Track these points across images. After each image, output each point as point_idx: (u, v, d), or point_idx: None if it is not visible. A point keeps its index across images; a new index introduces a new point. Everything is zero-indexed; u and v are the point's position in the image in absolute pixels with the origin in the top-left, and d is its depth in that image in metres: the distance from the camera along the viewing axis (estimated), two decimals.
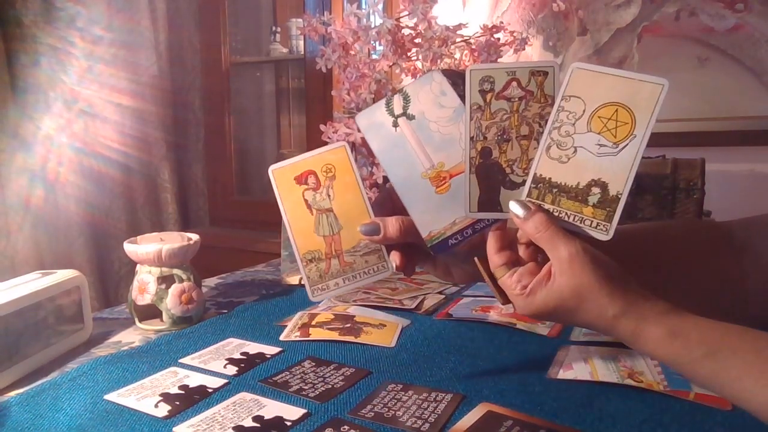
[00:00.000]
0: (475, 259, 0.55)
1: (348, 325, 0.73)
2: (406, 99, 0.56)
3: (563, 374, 0.59)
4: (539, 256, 0.52)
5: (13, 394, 0.57)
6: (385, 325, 0.73)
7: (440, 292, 0.88)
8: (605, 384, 0.56)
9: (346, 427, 0.49)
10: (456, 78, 1.06)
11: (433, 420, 0.50)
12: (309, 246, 0.57)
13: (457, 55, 1.33)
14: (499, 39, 1.32)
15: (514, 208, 0.51)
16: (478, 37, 1.31)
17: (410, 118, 0.55)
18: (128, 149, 1.83)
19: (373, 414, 0.51)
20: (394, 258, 0.56)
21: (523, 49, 1.37)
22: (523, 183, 0.52)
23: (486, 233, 0.54)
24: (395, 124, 0.55)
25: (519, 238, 0.53)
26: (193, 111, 2.08)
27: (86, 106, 1.69)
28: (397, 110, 0.56)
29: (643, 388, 0.55)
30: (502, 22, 1.35)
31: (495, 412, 0.51)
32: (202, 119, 2.10)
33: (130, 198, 1.88)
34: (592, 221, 0.49)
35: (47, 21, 1.59)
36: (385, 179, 1.15)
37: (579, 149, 0.49)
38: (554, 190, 0.50)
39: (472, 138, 0.53)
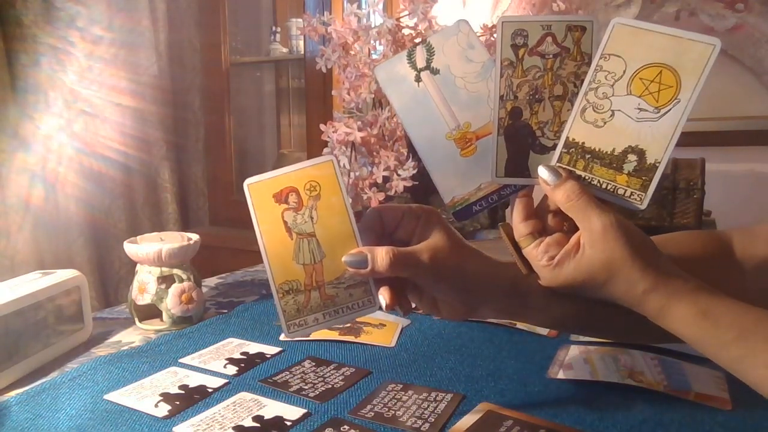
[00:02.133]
0: (500, 226, 0.52)
1: (348, 325, 0.73)
2: (430, 51, 0.51)
3: (563, 374, 0.59)
4: (566, 225, 0.49)
5: (13, 394, 0.57)
6: (385, 325, 0.73)
7: None
8: (605, 384, 0.56)
9: (346, 427, 0.49)
10: None
11: (433, 420, 0.50)
12: (286, 275, 0.51)
13: None
14: None
15: (544, 173, 0.47)
16: (479, 36, 1.31)
17: (434, 72, 0.51)
18: (128, 149, 1.83)
19: (373, 414, 0.51)
20: (384, 295, 0.48)
21: None
22: (554, 147, 0.48)
23: (512, 200, 0.51)
24: (418, 79, 0.51)
25: (546, 206, 0.50)
26: (193, 111, 2.09)
27: (86, 106, 1.69)
28: (420, 63, 0.51)
29: (643, 388, 0.55)
30: None
31: (495, 412, 0.51)
32: (202, 119, 2.10)
33: (130, 198, 1.88)
34: (626, 190, 0.46)
35: (47, 21, 1.59)
36: (386, 179, 1.15)
37: (616, 113, 0.46)
38: (587, 156, 0.47)
39: (501, 97, 0.49)
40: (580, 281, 0.47)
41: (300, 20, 1.80)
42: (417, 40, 1.23)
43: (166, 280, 0.76)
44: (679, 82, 0.44)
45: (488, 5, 1.88)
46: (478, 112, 0.50)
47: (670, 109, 0.44)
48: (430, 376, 0.60)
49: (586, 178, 0.47)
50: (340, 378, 0.59)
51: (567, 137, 0.47)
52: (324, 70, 1.25)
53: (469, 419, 0.50)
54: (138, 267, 0.77)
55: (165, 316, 0.75)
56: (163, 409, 0.53)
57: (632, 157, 0.46)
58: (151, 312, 0.77)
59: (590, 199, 0.46)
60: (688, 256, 0.60)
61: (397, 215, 0.52)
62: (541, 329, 0.71)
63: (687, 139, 1.54)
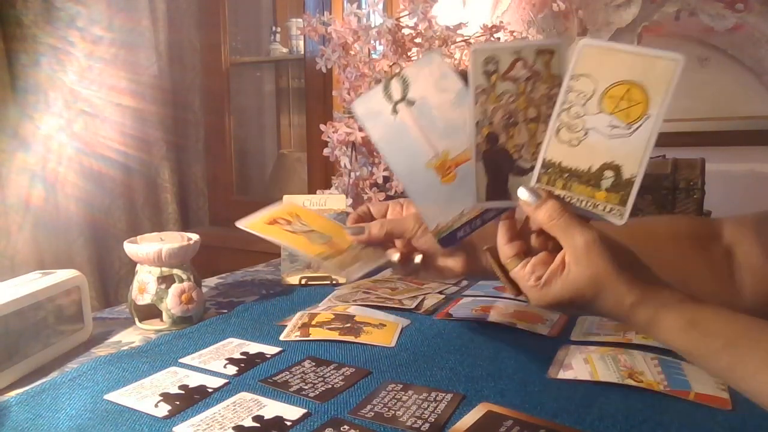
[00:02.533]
0: (485, 249, 0.53)
1: (348, 324, 0.73)
2: (405, 83, 0.52)
3: (563, 374, 0.59)
4: (550, 245, 0.50)
5: (13, 394, 0.57)
6: (385, 325, 0.73)
7: (440, 292, 0.88)
8: (605, 384, 0.56)
9: (346, 427, 0.49)
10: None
11: (433, 420, 0.50)
12: (315, 251, 0.61)
13: (457, 55, 1.33)
14: (499, 39, 1.32)
15: (524, 195, 0.49)
16: (478, 36, 1.31)
17: (410, 103, 0.52)
18: (128, 149, 1.83)
19: (373, 414, 0.51)
20: (392, 252, 0.60)
21: None
22: (532, 168, 0.49)
23: (495, 223, 0.52)
24: (395, 111, 0.52)
25: (530, 227, 0.51)
26: (193, 111, 2.08)
27: (86, 106, 1.69)
28: (396, 96, 0.52)
29: (643, 388, 0.55)
30: (502, 22, 1.35)
31: (495, 412, 0.51)
32: (202, 119, 2.10)
33: (130, 198, 1.88)
34: (605, 206, 0.47)
35: (47, 21, 1.59)
36: (386, 179, 1.15)
37: (590, 131, 0.47)
38: (565, 175, 0.48)
39: (477, 123, 0.50)
40: (568, 299, 0.47)
41: (300, 20, 1.80)
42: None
43: (166, 280, 0.76)
44: (648, 98, 0.45)
45: (488, 5, 1.88)
46: (456, 140, 0.52)
47: (641, 125, 0.45)
48: (430, 376, 0.60)
49: (566, 196, 0.48)
50: (340, 378, 0.59)
51: (544, 158, 0.49)
52: (324, 70, 1.26)
53: (469, 419, 0.50)
54: (138, 267, 0.77)
55: (165, 316, 0.75)
56: (163, 409, 0.53)
57: (609, 174, 0.46)
58: (151, 312, 0.77)
59: (571, 217, 0.47)
60: (676, 234, 0.61)
61: (383, 207, 0.64)
62: (541, 329, 0.71)
63: (687, 139, 1.54)
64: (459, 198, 0.52)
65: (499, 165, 0.50)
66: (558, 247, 0.48)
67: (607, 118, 0.46)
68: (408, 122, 0.52)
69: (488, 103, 0.50)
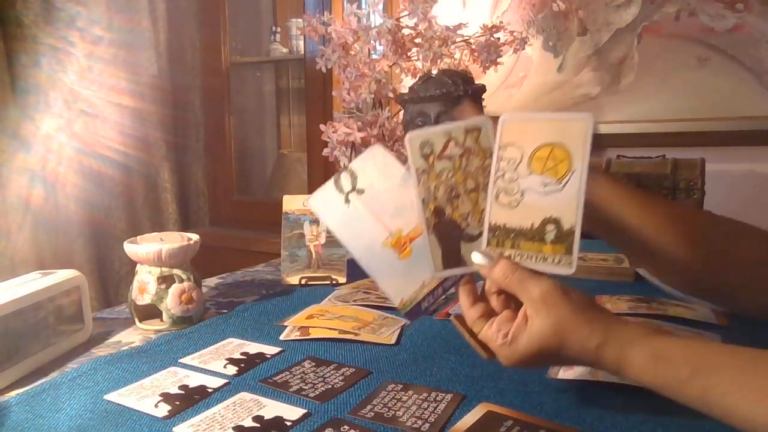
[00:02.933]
0: (452, 317, 0.56)
1: (348, 324, 0.73)
2: (353, 175, 0.57)
3: (563, 374, 0.59)
4: (512, 304, 0.52)
5: (13, 394, 0.57)
6: (385, 325, 0.73)
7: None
8: (605, 384, 0.56)
9: (346, 427, 0.49)
10: (455, 77, 1.06)
11: (433, 420, 0.50)
12: (349, 326, 0.71)
13: (457, 55, 1.33)
14: (499, 39, 1.32)
15: (477, 259, 0.52)
16: (478, 36, 1.31)
17: (360, 192, 0.57)
18: (128, 149, 1.83)
19: (373, 414, 0.51)
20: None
21: (523, 48, 1.38)
22: (481, 234, 0.53)
23: (456, 288, 0.55)
24: (347, 200, 0.57)
25: (488, 290, 0.54)
26: (193, 111, 2.08)
27: (86, 106, 1.69)
28: (347, 187, 0.57)
29: (643, 388, 0.55)
30: (502, 22, 1.35)
31: (495, 412, 0.51)
32: (202, 119, 2.10)
33: (130, 198, 1.87)
34: (554, 258, 0.50)
35: (47, 21, 1.59)
36: None
37: (526, 192, 0.51)
38: (511, 235, 0.51)
39: (423, 200, 0.54)
40: (537, 351, 0.48)
41: (300, 20, 1.80)
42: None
43: (166, 280, 0.76)
44: (570, 155, 0.49)
45: (488, 5, 1.88)
46: (407, 218, 0.56)
47: (570, 179, 0.49)
48: (430, 376, 0.60)
49: (516, 255, 0.51)
50: (340, 378, 0.59)
51: (489, 223, 0.52)
52: (324, 70, 1.26)
53: (469, 419, 0.50)
54: (138, 267, 0.77)
55: (165, 316, 0.75)
56: (163, 409, 0.53)
57: (550, 227, 0.50)
58: (151, 312, 0.77)
59: (524, 272, 0.49)
60: (680, 219, 0.64)
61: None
62: None
63: (687, 139, 1.54)
64: (418, 271, 0.55)
65: (449, 235, 0.54)
66: (519, 305, 0.50)
67: (539, 178, 0.50)
68: (360, 209, 0.56)
69: (430, 182, 0.54)
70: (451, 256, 0.54)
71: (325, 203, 0.57)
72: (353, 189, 0.57)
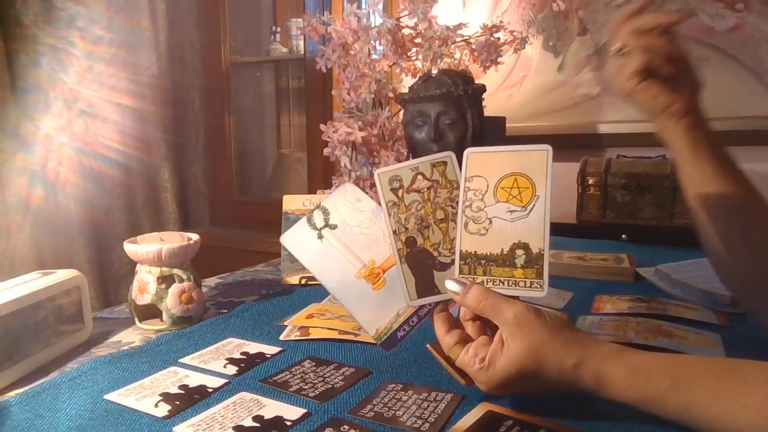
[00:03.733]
0: (428, 346, 0.56)
1: (348, 324, 0.73)
2: (326, 212, 0.59)
3: None
4: (488, 330, 0.53)
5: (13, 394, 0.57)
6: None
7: None
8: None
9: (346, 426, 0.49)
10: (455, 77, 1.06)
11: (433, 420, 0.50)
12: (350, 326, 0.69)
13: (457, 55, 1.33)
14: (499, 38, 1.32)
15: (451, 286, 0.53)
16: (478, 36, 1.31)
17: (333, 227, 0.59)
18: (128, 149, 1.83)
19: (373, 414, 0.51)
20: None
21: (523, 48, 1.38)
22: (452, 262, 0.54)
23: (431, 317, 0.56)
24: (320, 236, 0.59)
25: (463, 317, 0.54)
26: (193, 111, 2.09)
27: (86, 106, 1.69)
28: (319, 224, 0.59)
29: None
30: (502, 22, 1.35)
31: (495, 412, 0.51)
32: (202, 119, 2.10)
33: (130, 198, 1.88)
34: (525, 282, 0.51)
35: (47, 21, 1.59)
36: None
37: (494, 219, 0.53)
38: (482, 262, 0.53)
39: (394, 231, 0.56)
40: (515, 374, 0.49)
41: (300, 20, 1.80)
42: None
43: (166, 280, 0.76)
44: (533, 183, 0.52)
45: (488, 5, 1.88)
46: (379, 250, 0.57)
47: (535, 205, 0.52)
48: (430, 376, 0.60)
49: (489, 281, 0.53)
50: (340, 378, 0.59)
51: (460, 250, 0.54)
52: (324, 70, 1.26)
53: (469, 419, 0.50)
54: (138, 267, 0.77)
55: (165, 316, 0.75)
56: (163, 409, 0.53)
57: (520, 252, 0.52)
58: (151, 312, 0.77)
59: (497, 296, 0.51)
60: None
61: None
62: None
63: None
64: (392, 301, 0.56)
65: (422, 264, 0.56)
66: (495, 331, 0.51)
67: (505, 206, 0.53)
68: (333, 243, 0.58)
69: (400, 214, 0.56)
70: (425, 284, 0.55)
71: (298, 241, 0.59)
72: (326, 225, 0.59)
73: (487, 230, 0.53)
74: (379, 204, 0.57)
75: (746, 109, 1.53)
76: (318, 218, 0.59)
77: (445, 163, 0.56)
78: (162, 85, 1.95)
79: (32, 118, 1.58)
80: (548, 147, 0.52)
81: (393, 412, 0.52)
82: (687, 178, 0.67)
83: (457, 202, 0.55)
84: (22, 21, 1.54)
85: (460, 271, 0.54)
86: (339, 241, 0.58)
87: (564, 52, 1.77)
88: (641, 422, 0.49)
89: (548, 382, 0.49)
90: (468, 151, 0.54)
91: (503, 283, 0.52)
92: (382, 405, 0.53)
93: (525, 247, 0.51)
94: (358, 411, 0.52)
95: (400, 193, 0.56)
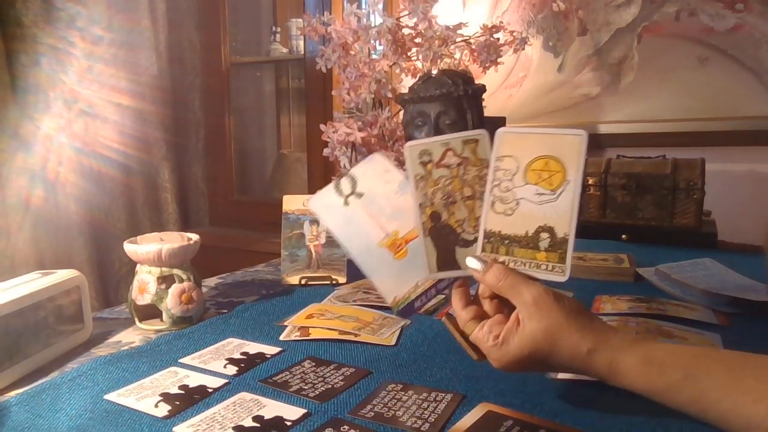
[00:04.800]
0: (444, 318, 0.57)
1: (348, 324, 0.73)
2: (353, 180, 0.59)
3: (563, 374, 0.59)
4: (505, 309, 0.53)
5: (13, 394, 0.57)
6: (385, 326, 0.73)
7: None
8: (605, 384, 0.56)
9: (346, 427, 0.49)
10: (455, 77, 1.06)
11: (433, 420, 0.50)
12: (350, 327, 0.71)
13: (457, 55, 1.33)
14: (498, 39, 1.32)
15: (472, 263, 0.53)
16: (478, 36, 1.31)
17: (359, 195, 0.59)
18: (128, 149, 1.83)
19: (373, 414, 0.51)
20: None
21: (523, 48, 1.38)
22: (476, 240, 0.54)
23: (450, 291, 0.56)
24: (346, 203, 0.59)
25: (481, 294, 0.54)
26: (193, 111, 2.08)
27: (86, 106, 1.69)
28: (346, 190, 0.59)
29: None
30: (502, 22, 1.35)
31: (495, 412, 0.51)
32: (202, 119, 2.10)
33: (130, 198, 1.87)
34: (547, 265, 0.51)
35: (47, 21, 1.59)
36: None
37: (521, 201, 0.52)
38: (506, 242, 0.53)
39: (420, 204, 0.56)
40: (527, 354, 0.49)
41: (300, 20, 1.80)
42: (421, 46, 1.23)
43: (166, 280, 0.76)
44: (564, 167, 0.51)
45: (488, 5, 1.88)
46: (403, 221, 0.58)
47: (564, 189, 0.51)
48: (430, 376, 0.60)
49: (510, 261, 0.52)
50: (340, 378, 0.59)
51: (485, 229, 0.54)
52: (324, 70, 1.26)
53: (469, 419, 0.50)
54: (138, 267, 0.77)
55: (165, 316, 0.75)
56: (163, 409, 0.53)
57: (545, 235, 0.51)
58: (151, 312, 0.77)
59: (517, 276, 0.50)
60: None
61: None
62: None
63: (687, 139, 1.53)
64: (412, 271, 0.57)
65: (445, 239, 0.56)
66: (512, 310, 0.51)
67: (534, 188, 0.52)
68: (359, 210, 0.59)
69: (428, 188, 0.56)
70: (446, 259, 0.55)
71: (325, 205, 0.59)
72: (353, 192, 0.59)
73: (513, 211, 0.52)
74: (406, 177, 0.57)
75: (746, 109, 1.53)
76: (345, 185, 0.59)
77: (476, 140, 0.55)
78: (162, 85, 1.95)
79: (32, 118, 1.58)
80: (583, 132, 0.51)
81: (393, 412, 0.52)
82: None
83: (486, 181, 0.54)
84: (22, 21, 1.54)
85: (483, 249, 0.53)
86: (364, 209, 0.58)
87: (564, 52, 1.77)
88: (642, 422, 0.49)
89: (560, 365, 0.49)
90: (500, 131, 0.54)
91: (525, 265, 0.52)
92: (382, 405, 0.53)
93: (550, 230, 0.51)
94: (358, 411, 0.52)
95: (428, 167, 0.56)
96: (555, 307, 0.48)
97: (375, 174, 0.59)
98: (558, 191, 0.51)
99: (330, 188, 0.60)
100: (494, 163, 0.54)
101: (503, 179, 0.53)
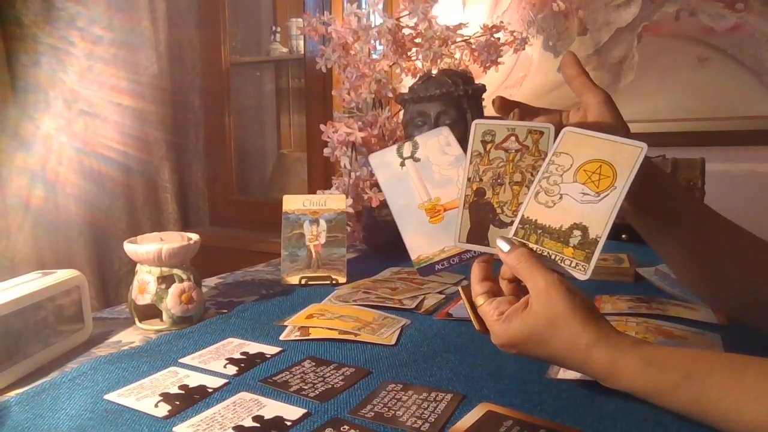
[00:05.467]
0: (459, 288, 0.58)
1: (348, 324, 0.73)
2: (415, 145, 0.63)
3: (563, 374, 0.59)
4: (521, 294, 0.54)
5: (13, 394, 0.57)
6: (385, 325, 0.73)
7: (440, 292, 0.88)
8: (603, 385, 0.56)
9: (346, 427, 0.49)
10: (455, 77, 1.06)
11: (433, 420, 0.50)
12: (349, 326, 0.72)
13: (457, 55, 1.33)
14: (499, 39, 1.32)
15: (500, 243, 0.54)
16: (478, 36, 1.31)
17: (416, 160, 0.62)
18: (128, 149, 1.83)
19: (373, 414, 0.51)
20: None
21: (523, 48, 1.38)
22: (512, 223, 0.55)
23: (472, 264, 0.57)
24: (402, 164, 0.62)
25: (502, 274, 0.56)
26: (193, 111, 2.08)
27: (86, 106, 1.69)
28: (406, 154, 0.63)
29: None
30: (502, 22, 1.35)
31: (495, 412, 0.51)
32: (202, 119, 2.10)
33: (130, 198, 1.88)
34: (571, 261, 0.52)
35: (47, 21, 1.59)
36: None
37: (564, 196, 0.53)
38: (539, 231, 0.54)
39: (469, 178, 0.58)
40: (526, 335, 0.50)
41: (300, 20, 1.80)
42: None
43: (166, 280, 0.76)
44: (615, 174, 0.52)
45: (488, 5, 1.88)
46: (448, 191, 0.60)
47: (608, 194, 0.52)
48: (430, 376, 0.60)
49: (538, 250, 0.53)
50: (340, 378, 0.59)
51: (522, 215, 0.55)
52: (324, 70, 1.26)
53: (469, 419, 0.50)
54: (138, 267, 0.77)
55: (165, 316, 0.75)
56: (163, 409, 0.53)
57: (577, 233, 0.52)
58: (151, 312, 0.77)
59: (537, 262, 0.52)
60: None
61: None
62: None
63: (687, 139, 1.53)
64: (442, 237, 0.59)
65: (482, 215, 0.57)
66: (524, 295, 0.52)
67: (580, 187, 0.53)
68: (411, 172, 0.62)
69: (481, 165, 0.58)
70: (478, 233, 0.57)
71: (383, 161, 0.63)
72: (411, 156, 0.62)
73: (555, 204, 0.53)
74: (465, 153, 0.59)
75: (746, 109, 1.53)
76: (407, 149, 0.63)
77: (542, 133, 0.57)
78: (162, 85, 1.95)
79: (32, 118, 1.58)
80: (644, 144, 0.52)
81: (393, 412, 0.52)
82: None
83: (538, 171, 0.55)
84: (22, 21, 1.54)
85: (515, 233, 0.54)
86: (416, 172, 0.61)
87: (564, 52, 1.77)
88: (642, 422, 0.49)
89: (557, 354, 0.50)
90: (566, 129, 0.55)
91: (551, 256, 0.53)
92: (382, 405, 0.53)
93: (584, 229, 0.52)
94: (358, 411, 0.52)
95: (488, 146, 0.58)
96: (565, 298, 0.49)
97: (437, 144, 0.62)
98: (602, 194, 0.52)
99: (392, 149, 0.63)
100: (551, 156, 0.55)
101: (554, 173, 0.54)
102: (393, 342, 0.69)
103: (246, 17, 2.27)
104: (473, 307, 0.55)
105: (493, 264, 0.57)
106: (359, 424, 0.50)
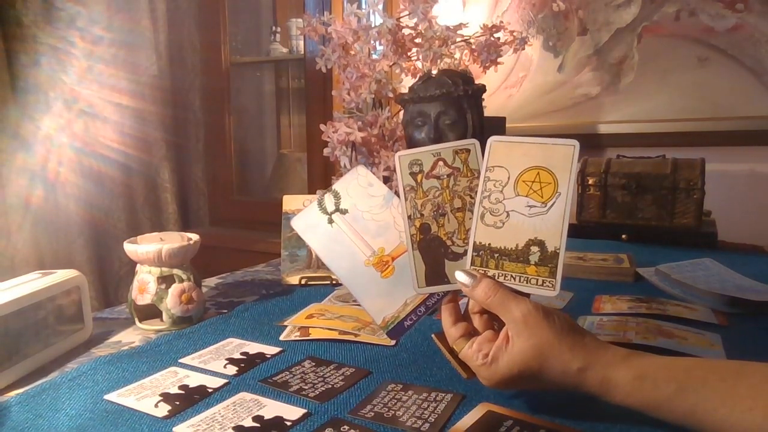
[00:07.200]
0: (433, 335, 0.56)
1: (348, 324, 0.73)
2: (337, 196, 0.59)
3: None
4: (495, 324, 0.52)
5: (13, 394, 0.57)
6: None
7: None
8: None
9: (346, 427, 0.49)
10: (455, 77, 1.06)
11: (433, 420, 0.50)
12: (350, 327, 0.69)
13: (457, 55, 1.33)
14: (499, 39, 1.32)
15: (461, 277, 0.52)
16: (478, 36, 1.31)
17: (343, 212, 0.58)
18: (128, 149, 1.83)
19: (373, 414, 0.51)
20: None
21: (523, 48, 1.38)
22: (465, 253, 0.53)
23: (439, 307, 0.55)
24: (330, 221, 0.58)
25: (471, 309, 0.54)
26: (193, 111, 2.08)
27: (86, 106, 1.69)
28: (330, 208, 0.59)
29: None
30: (502, 22, 1.35)
31: (495, 412, 0.51)
32: (202, 119, 2.10)
33: (130, 198, 1.87)
34: (537, 279, 0.50)
35: (47, 21, 1.59)
36: (386, 179, 1.15)
37: (511, 213, 0.52)
38: (496, 255, 0.52)
39: (409, 216, 0.55)
40: (517, 372, 0.48)
41: (300, 20, 1.80)
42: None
43: (166, 280, 0.76)
44: (556, 179, 0.51)
45: (488, 5, 1.88)
46: (389, 237, 0.57)
47: (555, 202, 0.50)
48: (430, 376, 0.60)
49: (500, 275, 0.51)
50: (340, 378, 0.59)
51: (474, 242, 0.53)
52: (324, 70, 1.25)
53: (469, 419, 0.50)
54: (138, 267, 0.77)
55: (165, 316, 0.75)
56: (163, 409, 0.53)
57: (535, 249, 0.50)
58: (151, 312, 0.77)
59: (506, 292, 0.50)
60: None
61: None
62: None
63: (687, 139, 1.54)
64: (401, 289, 0.56)
65: (434, 252, 0.54)
66: (502, 326, 0.50)
67: (524, 200, 0.51)
68: (344, 228, 0.58)
69: (417, 199, 0.55)
70: (435, 273, 0.54)
71: (308, 224, 0.59)
72: (336, 209, 0.58)
73: (503, 223, 0.52)
74: (391, 190, 0.56)
75: (746, 109, 1.53)
76: (329, 202, 0.59)
77: (468, 150, 0.55)
78: (162, 85, 1.95)
79: (32, 118, 1.58)
80: (575, 142, 0.50)
81: (393, 412, 0.52)
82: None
83: (476, 192, 0.53)
84: (22, 21, 1.54)
85: (472, 263, 0.53)
86: (349, 227, 0.57)
87: (564, 52, 1.77)
88: (642, 422, 0.49)
89: (551, 382, 0.49)
90: (492, 140, 0.53)
91: (515, 279, 0.51)
92: (382, 405, 0.53)
93: (540, 244, 0.50)
94: (358, 411, 0.52)
95: (419, 177, 0.55)
96: (544, 325, 0.48)
97: (359, 188, 0.59)
98: (549, 204, 0.50)
99: (313, 207, 0.59)
100: (485, 173, 0.53)
101: (493, 190, 0.52)
102: (393, 342, 0.69)
103: (246, 17, 2.27)
104: (453, 353, 0.53)
105: (460, 298, 0.55)
106: (359, 424, 0.50)
